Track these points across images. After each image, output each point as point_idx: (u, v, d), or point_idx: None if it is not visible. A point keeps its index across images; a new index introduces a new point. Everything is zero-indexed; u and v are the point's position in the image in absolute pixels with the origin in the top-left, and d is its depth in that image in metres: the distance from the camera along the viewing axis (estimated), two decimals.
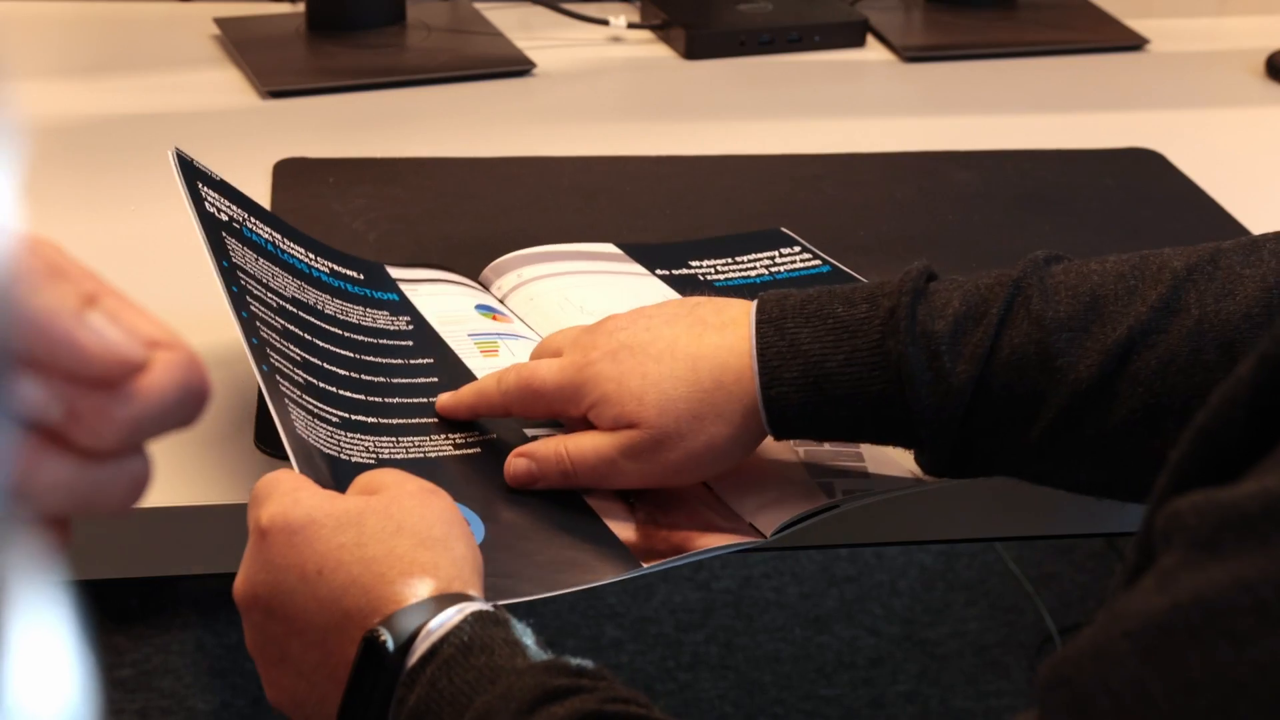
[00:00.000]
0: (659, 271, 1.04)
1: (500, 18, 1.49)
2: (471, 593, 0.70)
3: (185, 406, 0.46)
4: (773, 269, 1.05)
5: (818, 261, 1.06)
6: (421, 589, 0.68)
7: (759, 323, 0.79)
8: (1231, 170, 1.24)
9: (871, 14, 1.52)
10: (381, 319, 0.94)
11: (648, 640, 2.05)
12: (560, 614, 2.09)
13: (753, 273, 1.05)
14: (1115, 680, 0.47)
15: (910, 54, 1.47)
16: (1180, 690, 0.45)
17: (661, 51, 1.46)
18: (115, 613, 2.01)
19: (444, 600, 0.68)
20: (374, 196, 1.14)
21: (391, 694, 0.67)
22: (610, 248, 1.06)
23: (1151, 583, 0.48)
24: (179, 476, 0.84)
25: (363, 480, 0.75)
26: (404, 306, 0.96)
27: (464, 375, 0.91)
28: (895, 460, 0.85)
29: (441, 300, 0.99)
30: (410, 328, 0.94)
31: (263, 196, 1.13)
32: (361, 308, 0.94)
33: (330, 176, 1.17)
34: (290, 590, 0.70)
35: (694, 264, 1.05)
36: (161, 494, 0.82)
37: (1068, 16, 1.56)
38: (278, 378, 0.82)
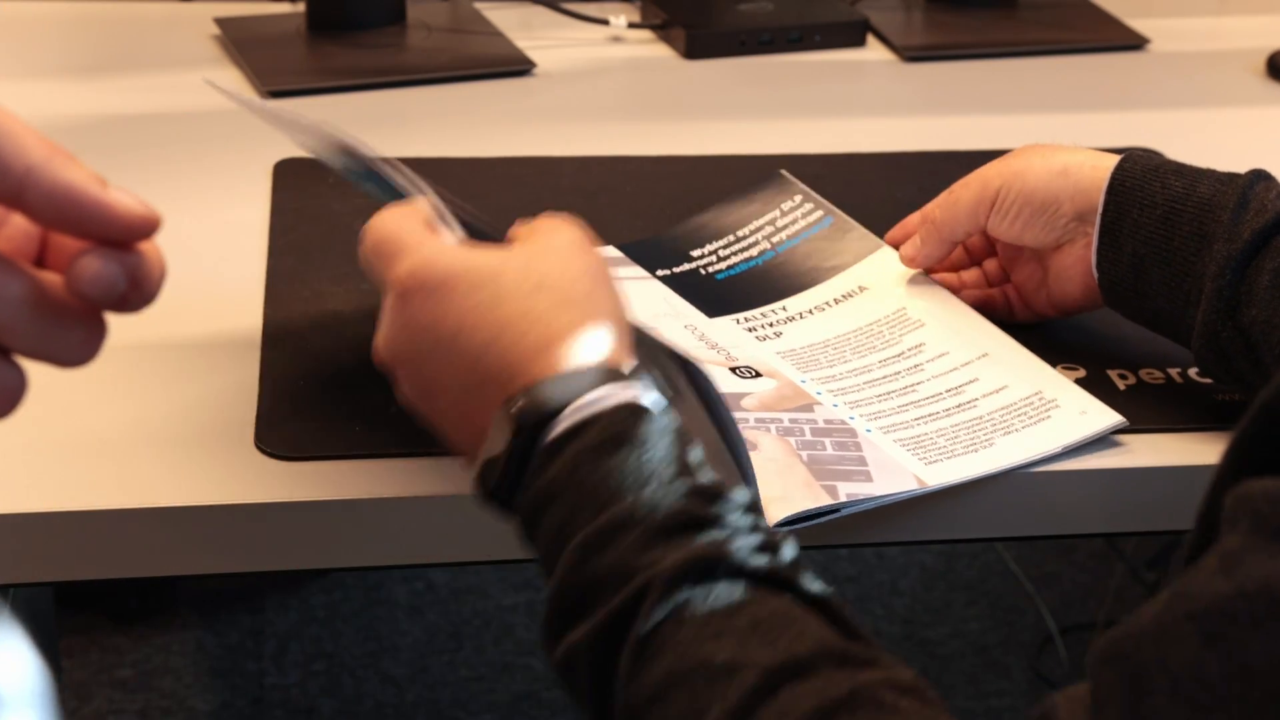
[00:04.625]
0: (660, 272, 1.04)
1: (500, 18, 1.49)
2: (615, 360, 0.66)
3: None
4: (774, 238, 1.05)
5: (820, 213, 1.06)
6: (561, 357, 0.65)
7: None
8: (1232, 170, 1.24)
9: (871, 14, 1.52)
10: None
11: None
12: None
13: (755, 251, 1.05)
14: (1174, 660, 0.48)
15: (910, 54, 1.47)
16: (1238, 675, 0.46)
17: (661, 51, 1.46)
18: (115, 613, 2.01)
19: (585, 374, 0.65)
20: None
21: (525, 466, 0.64)
22: (612, 251, 1.06)
23: (1215, 563, 0.48)
24: (179, 476, 0.84)
25: (516, 229, 0.73)
26: None
27: None
28: (899, 465, 0.85)
29: None
30: None
31: (263, 196, 1.13)
32: None
33: (330, 176, 1.17)
34: (429, 352, 0.68)
35: (694, 254, 1.05)
36: (161, 494, 0.83)
37: (1068, 16, 1.56)
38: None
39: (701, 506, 0.62)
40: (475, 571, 2.15)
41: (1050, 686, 1.93)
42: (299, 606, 2.07)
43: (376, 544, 0.84)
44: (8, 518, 0.81)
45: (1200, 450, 0.90)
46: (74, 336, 0.47)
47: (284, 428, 0.87)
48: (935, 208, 0.99)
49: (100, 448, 0.85)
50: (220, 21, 1.43)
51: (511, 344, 0.66)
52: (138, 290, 0.46)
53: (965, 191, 0.96)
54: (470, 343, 0.66)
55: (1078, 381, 0.93)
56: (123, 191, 0.45)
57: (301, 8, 1.43)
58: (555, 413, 0.63)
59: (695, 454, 0.64)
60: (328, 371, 0.92)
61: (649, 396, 0.65)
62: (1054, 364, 0.94)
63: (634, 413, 0.63)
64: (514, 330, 0.66)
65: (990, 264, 1.02)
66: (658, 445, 0.63)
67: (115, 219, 0.45)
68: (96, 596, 2.02)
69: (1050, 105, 1.39)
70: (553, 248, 0.69)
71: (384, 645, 2.02)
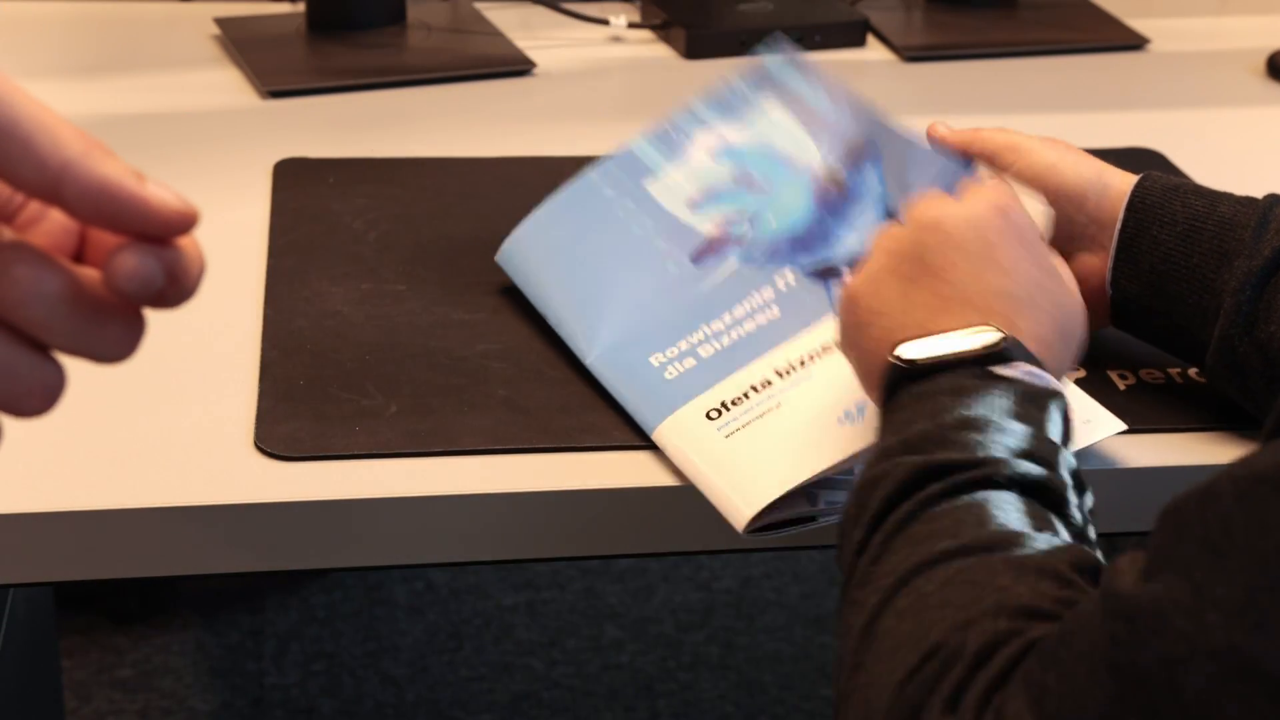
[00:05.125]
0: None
1: (500, 18, 1.49)
2: (1060, 376, 0.77)
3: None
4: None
5: None
6: (1040, 350, 0.76)
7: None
8: (1232, 170, 1.24)
9: (871, 14, 1.52)
10: None
11: (648, 640, 2.05)
12: (560, 614, 2.09)
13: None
14: (1211, 512, 0.55)
15: (910, 54, 1.47)
16: (1256, 529, 0.53)
17: (661, 51, 1.46)
18: (115, 613, 2.01)
19: (1045, 366, 0.75)
20: (374, 196, 1.14)
21: (953, 368, 0.74)
22: None
23: (1276, 445, 0.55)
24: (179, 476, 0.84)
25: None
26: None
27: None
28: None
29: None
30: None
31: (263, 196, 1.13)
32: None
33: (330, 176, 1.17)
34: (971, 250, 0.78)
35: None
36: (161, 494, 0.83)
37: (1068, 16, 1.56)
38: None
39: (1058, 465, 0.71)
40: (475, 571, 2.15)
41: None
42: (299, 606, 2.07)
43: (376, 544, 0.84)
44: (8, 518, 0.81)
45: (1200, 450, 0.90)
46: (112, 332, 0.47)
47: (284, 428, 0.87)
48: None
49: (100, 447, 0.85)
50: (220, 21, 1.43)
51: (1020, 313, 0.77)
52: (176, 285, 0.46)
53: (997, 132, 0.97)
54: (1004, 280, 0.78)
55: (1077, 382, 0.93)
56: (160, 186, 0.45)
57: (301, 8, 1.43)
58: (1011, 359, 0.75)
59: (1070, 450, 0.74)
60: (328, 371, 0.92)
61: (1064, 397, 0.76)
62: None
63: (1054, 398, 0.74)
64: (1031, 309, 0.77)
65: None
66: (1054, 424, 0.73)
67: (153, 214, 0.45)
68: (96, 596, 2.02)
69: (1050, 105, 1.39)
70: (1079, 302, 0.81)
71: (384, 645, 2.02)
